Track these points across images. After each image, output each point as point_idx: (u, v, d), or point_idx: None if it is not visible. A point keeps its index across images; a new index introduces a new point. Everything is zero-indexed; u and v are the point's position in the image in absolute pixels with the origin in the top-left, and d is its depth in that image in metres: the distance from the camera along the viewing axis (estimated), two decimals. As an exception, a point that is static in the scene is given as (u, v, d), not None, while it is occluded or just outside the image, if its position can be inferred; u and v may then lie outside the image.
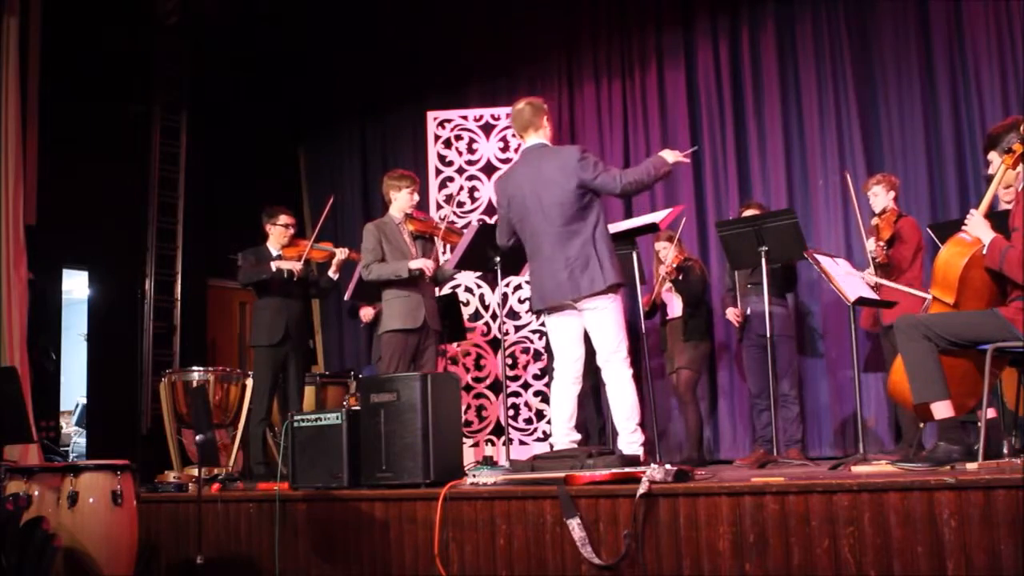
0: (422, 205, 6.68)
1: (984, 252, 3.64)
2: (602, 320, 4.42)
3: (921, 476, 3.22)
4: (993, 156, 3.78)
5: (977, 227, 3.68)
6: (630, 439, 4.39)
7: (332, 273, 5.97)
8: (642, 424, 4.49)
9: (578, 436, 4.62)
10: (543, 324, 6.69)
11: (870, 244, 5.55)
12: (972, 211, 3.74)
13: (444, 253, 5.98)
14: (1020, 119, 3.78)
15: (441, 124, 7.18)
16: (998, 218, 3.82)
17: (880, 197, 5.66)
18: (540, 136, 4.63)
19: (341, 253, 5.94)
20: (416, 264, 5.41)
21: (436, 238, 5.73)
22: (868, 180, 5.86)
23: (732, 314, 6.05)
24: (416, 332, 5.44)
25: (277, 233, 6.02)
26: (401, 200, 5.61)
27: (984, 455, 3.49)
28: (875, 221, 5.65)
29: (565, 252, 4.40)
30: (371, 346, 6.84)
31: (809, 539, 3.22)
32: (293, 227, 6.10)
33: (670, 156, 4.57)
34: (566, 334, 4.56)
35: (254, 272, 5.88)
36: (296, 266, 5.81)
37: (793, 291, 6.26)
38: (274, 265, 5.82)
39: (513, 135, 7.08)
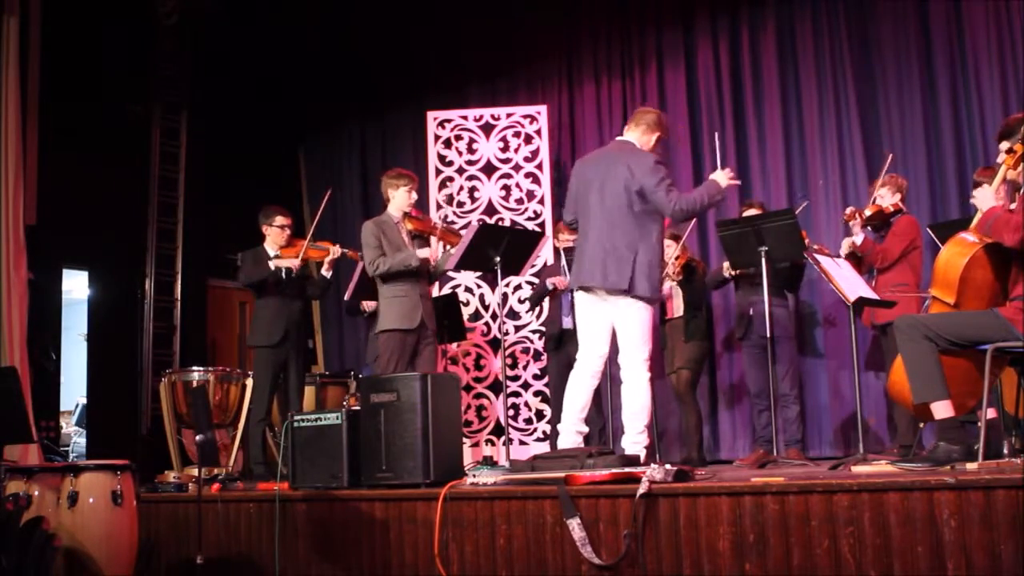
0: (422, 205, 6.69)
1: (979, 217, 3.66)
2: (631, 318, 4.48)
3: (921, 476, 3.22)
4: (1005, 145, 3.77)
5: (984, 198, 3.69)
6: (635, 439, 4.42)
7: (324, 271, 5.98)
8: (650, 426, 4.51)
9: (586, 429, 4.66)
10: (543, 324, 6.70)
11: (850, 210, 5.62)
12: (985, 185, 3.73)
13: (446, 251, 5.97)
14: None
15: (441, 124, 7.18)
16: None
17: (886, 199, 5.65)
18: (637, 139, 4.69)
19: (335, 252, 5.94)
20: (424, 253, 5.44)
21: (433, 238, 5.73)
22: (874, 182, 5.86)
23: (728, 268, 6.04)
24: (413, 332, 5.44)
25: (274, 234, 6.02)
26: (399, 199, 5.61)
27: (984, 455, 3.49)
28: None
29: (606, 242, 4.48)
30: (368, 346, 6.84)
31: (809, 539, 3.22)
32: (290, 227, 6.10)
33: (723, 179, 4.62)
34: (593, 323, 4.61)
35: (254, 272, 5.90)
36: (294, 262, 5.83)
37: (796, 290, 6.26)
38: (272, 264, 5.85)
39: (514, 135, 7.11)
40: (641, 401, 4.46)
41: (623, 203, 4.49)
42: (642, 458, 4.30)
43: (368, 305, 6.85)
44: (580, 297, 4.64)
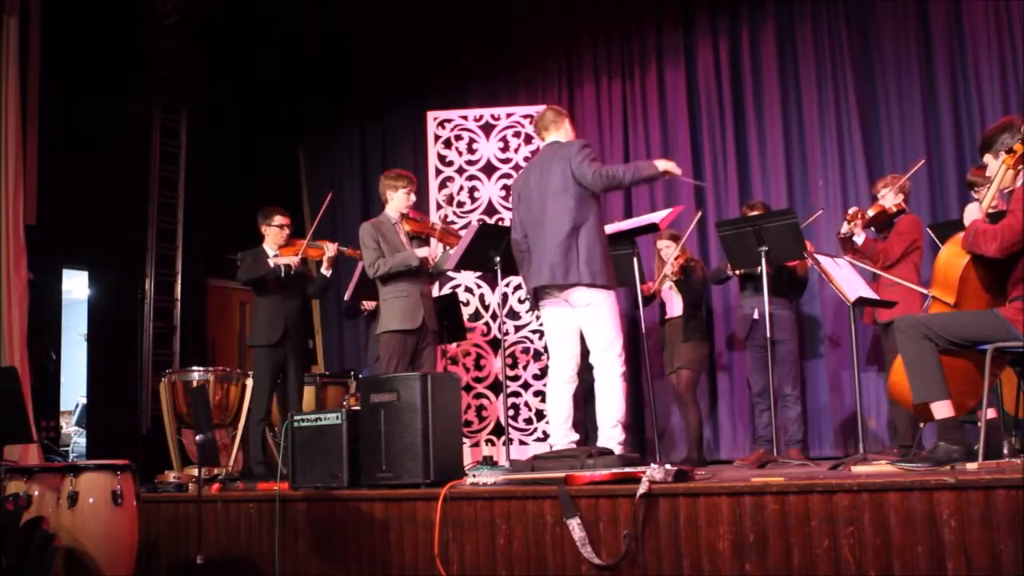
0: (422, 205, 6.68)
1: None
2: (595, 316, 4.47)
3: (921, 476, 3.22)
4: (988, 159, 3.79)
5: (969, 215, 3.70)
6: (610, 434, 4.43)
7: (324, 270, 5.98)
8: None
9: (576, 436, 4.64)
10: (543, 324, 6.69)
11: (853, 210, 5.62)
12: (974, 203, 3.75)
13: (445, 251, 5.97)
14: (1013, 120, 3.80)
15: (441, 124, 7.17)
16: (998, 218, 3.82)
17: (888, 200, 5.64)
18: (559, 135, 4.73)
19: (331, 249, 5.94)
20: (423, 252, 5.45)
21: (432, 239, 5.72)
22: (877, 182, 5.87)
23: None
24: (415, 333, 5.44)
25: (273, 234, 6.03)
26: (397, 200, 5.60)
27: (984, 455, 3.48)
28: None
29: (550, 238, 4.49)
30: (369, 346, 6.84)
31: (809, 539, 3.22)
32: (288, 227, 6.10)
33: (663, 164, 4.62)
34: (559, 328, 4.62)
35: (252, 269, 5.91)
36: (294, 260, 5.83)
37: (799, 297, 6.27)
38: (272, 261, 5.85)
39: (514, 135, 7.10)
40: (615, 398, 4.46)
41: (560, 195, 4.50)
42: (617, 452, 4.29)
43: (368, 305, 6.85)
44: (543, 308, 4.66)
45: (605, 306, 4.47)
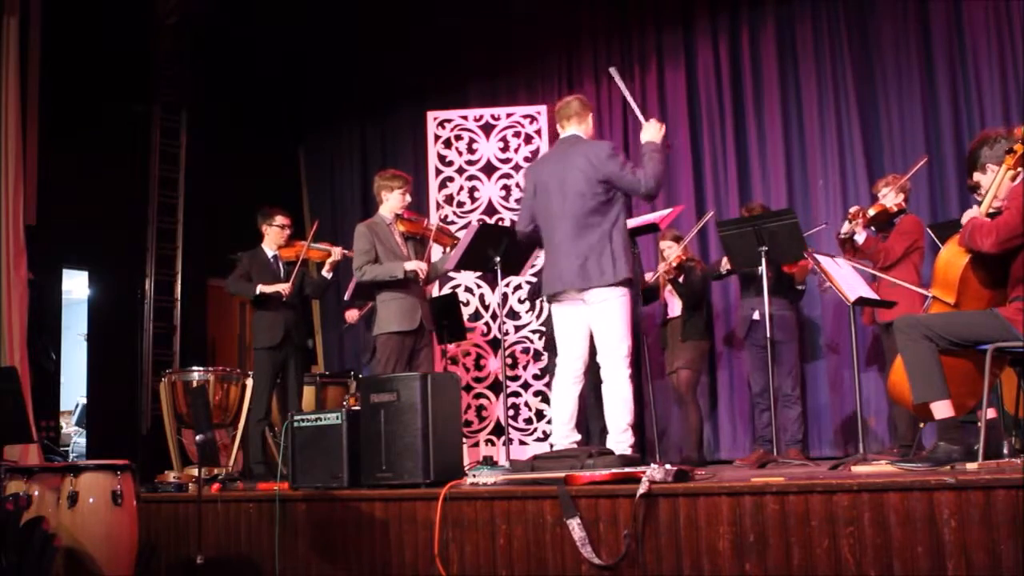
0: (422, 205, 6.68)
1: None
2: (607, 314, 4.44)
3: (921, 476, 3.22)
4: (978, 176, 3.80)
5: (968, 216, 3.72)
6: (620, 438, 4.41)
7: (326, 272, 5.98)
8: (635, 425, 4.50)
9: (578, 436, 4.63)
10: (543, 324, 6.69)
11: (855, 208, 5.61)
12: (974, 207, 3.77)
13: (445, 253, 5.97)
14: (988, 133, 3.83)
15: (441, 124, 7.17)
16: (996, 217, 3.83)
17: (889, 199, 5.65)
18: (579, 129, 4.67)
19: (336, 253, 5.94)
20: (411, 266, 5.40)
21: (427, 239, 5.71)
22: (878, 181, 5.88)
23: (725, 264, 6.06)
24: (412, 334, 5.44)
25: (273, 234, 6.03)
26: (393, 201, 5.60)
27: (984, 455, 3.48)
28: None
29: (580, 242, 4.44)
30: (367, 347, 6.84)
31: (809, 539, 3.22)
32: (289, 227, 6.10)
33: (655, 135, 4.59)
34: (570, 327, 4.58)
35: (240, 287, 5.94)
36: (284, 288, 5.81)
37: (797, 301, 6.28)
38: (259, 289, 5.83)
39: (514, 135, 7.10)
40: (623, 400, 4.43)
41: (587, 197, 4.44)
42: (630, 455, 4.29)
43: (351, 316, 6.91)
44: (555, 306, 4.62)
45: (619, 304, 4.43)
